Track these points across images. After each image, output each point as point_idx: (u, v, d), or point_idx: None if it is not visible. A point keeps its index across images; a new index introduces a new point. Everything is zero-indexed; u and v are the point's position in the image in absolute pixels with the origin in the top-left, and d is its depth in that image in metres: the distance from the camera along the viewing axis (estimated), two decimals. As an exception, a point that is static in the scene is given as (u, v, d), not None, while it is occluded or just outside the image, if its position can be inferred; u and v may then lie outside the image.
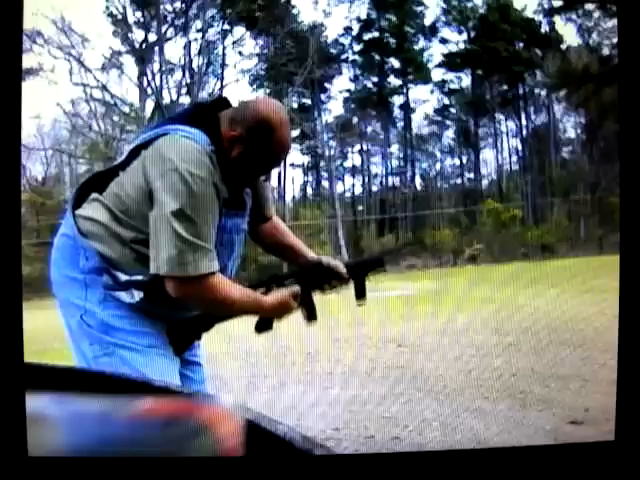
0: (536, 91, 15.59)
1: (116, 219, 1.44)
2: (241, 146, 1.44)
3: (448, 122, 16.18)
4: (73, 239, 1.47)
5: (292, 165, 16.08)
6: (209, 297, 1.43)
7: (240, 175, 1.47)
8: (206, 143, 1.41)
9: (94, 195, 1.49)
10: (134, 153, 1.46)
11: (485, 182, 16.42)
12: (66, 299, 1.48)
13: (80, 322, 1.45)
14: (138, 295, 1.43)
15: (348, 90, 16.02)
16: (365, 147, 16.37)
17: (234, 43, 14.99)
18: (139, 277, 1.43)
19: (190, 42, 14.20)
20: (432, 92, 15.94)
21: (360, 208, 16.33)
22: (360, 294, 1.65)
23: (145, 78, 13.88)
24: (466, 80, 15.99)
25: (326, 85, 15.94)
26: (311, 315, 1.59)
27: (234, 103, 1.52)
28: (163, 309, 1.47)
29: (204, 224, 1.39)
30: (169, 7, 14.28)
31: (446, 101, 16.08)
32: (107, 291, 1.44)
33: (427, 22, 15.61)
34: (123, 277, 1.42)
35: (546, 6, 14.40)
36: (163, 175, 1.37)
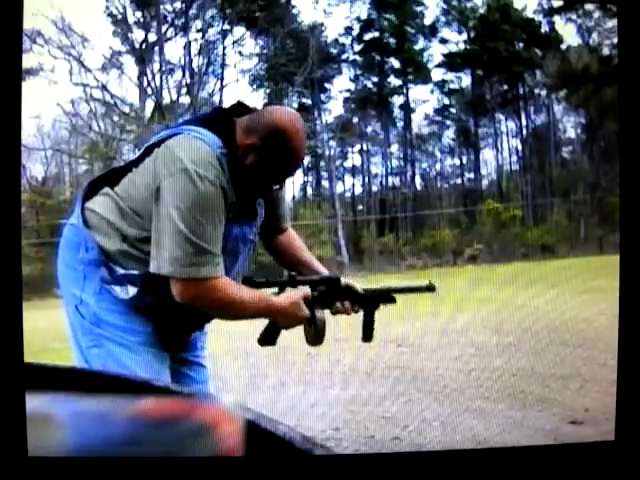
0: (536, 91, 15.59)
1: (121, 215, 1.45)
2: (255, 155, 1.43)
3: (448, 122, 16.17)
4: (78, 229, 1.48)
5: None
6: (215, 300, 1.42)
7: (252, 183, 1.46)
8: (217, 146, 1.40)
9: (105, 189, 1.50)
10: (148, 151, 1.47)
11: (485, 182, 16.42)
12: (66, 287, 1.49)
13: (75, 312, 1.46)
14: (132, 292, 1.43)
15: (348, 90, 16.02)
16: (365, 147, 16.37)
17: (234, 43, 14.99)
18: (135, 272, 1.43)
19: (190, 42, 14.21)
20: (432, 92, 15.94)
21: (360, 208, 16.32)
22: (368, 334, 1.62)
23: (145, 78, 13.89)
24: (466, 80, 16.00)
25: (326, 85, 15.94)
26: (317, 336, 1.53)
27: (252, 107, 1.51)
28: (156, 307, 1.46)
29: (210, 226, 1.38)
30: (169, 7, 14.29)
31: (446, 101, 16.08)
32: (103, 284, 1.44)
33: (427, 22, 15.61)
34: (120, 271, 1.43)
35: (546, 6, 14.41)
36: (171, 174, 1.37)
